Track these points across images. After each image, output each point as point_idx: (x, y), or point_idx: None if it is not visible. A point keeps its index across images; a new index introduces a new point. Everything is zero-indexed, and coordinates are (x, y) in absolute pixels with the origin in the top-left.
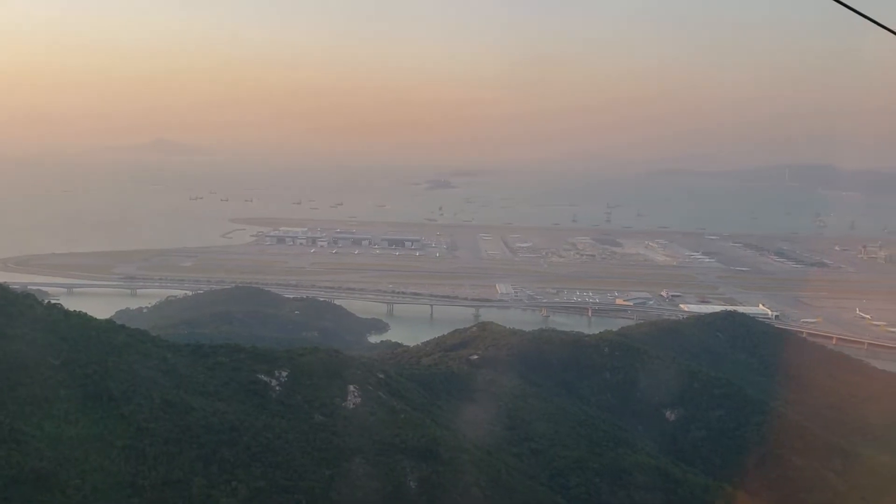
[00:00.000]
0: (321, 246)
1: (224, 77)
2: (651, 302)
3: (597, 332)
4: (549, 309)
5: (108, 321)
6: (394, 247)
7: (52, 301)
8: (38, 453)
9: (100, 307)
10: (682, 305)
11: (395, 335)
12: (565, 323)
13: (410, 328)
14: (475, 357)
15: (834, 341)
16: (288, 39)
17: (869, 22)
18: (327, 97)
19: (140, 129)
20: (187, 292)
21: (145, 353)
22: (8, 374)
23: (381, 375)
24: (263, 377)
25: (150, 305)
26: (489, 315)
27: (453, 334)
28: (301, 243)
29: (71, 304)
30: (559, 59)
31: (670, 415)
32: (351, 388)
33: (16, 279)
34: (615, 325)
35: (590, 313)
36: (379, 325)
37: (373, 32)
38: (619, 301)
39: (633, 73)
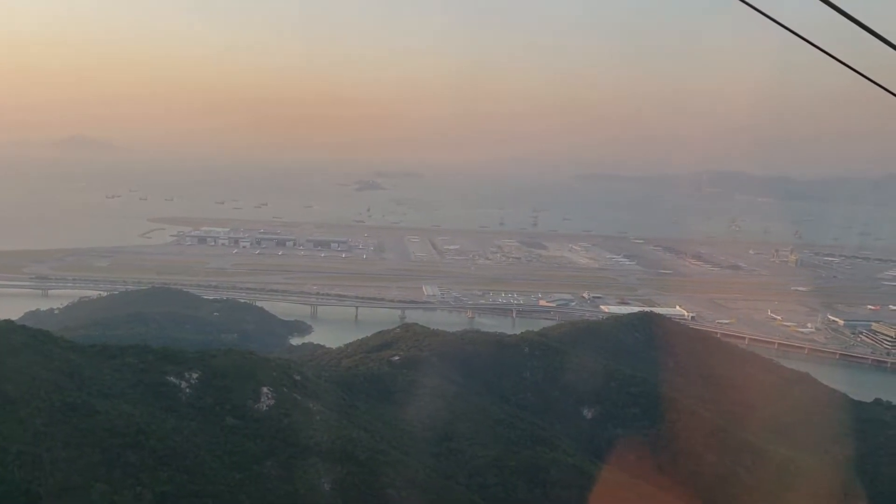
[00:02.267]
0: (244, 247)
1: (145, 71)
2: (573, 303)
3: (519, 332)
4: (475, 310)
5: (6, 321)
6: (319, 248)
7: None
8: None
9: (8, 308)
10: (602, 306)
11: (319, 337)
12: (490, 324)
13: (334, 330)
14: (396, 358)
15: (746, 341)
16: (215, 34)
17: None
18: (254, 94)
19: (55, 124)
20: (102, 293)
21: (47, 355)
22: None
23: (298, 377)
24: (173, 379)
25: (61, 306)
26: (415, 317)
27: (377, 336)
28: (223, 244)
29: None
30: (493, 64)
31: (588, 413)
32: (265, 389)
33: None
34: (538, 325)
35: (514, 314)
36: (302, 328)
37: (304, 29)
38: (542, 302)
39: (563, 80)
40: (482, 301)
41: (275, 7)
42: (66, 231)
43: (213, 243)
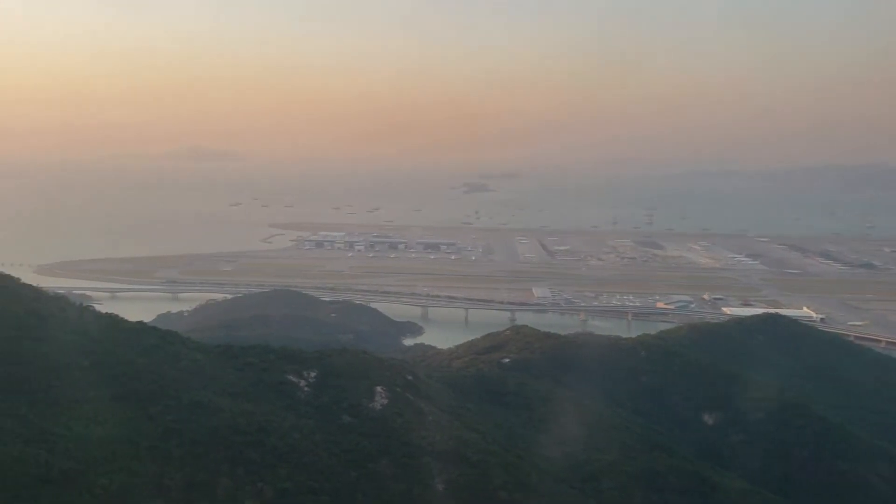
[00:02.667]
0: (358, 250)
1: (261, 82)
2: (692, 305)
3: (635, 335)
4: (588, 313)
5: (139, 323)
6: (429, 250)
7: (95, 305)
8: (66, 453)
9: (142, 311)
10: (723, 308)
11: (430, 338)
12: (604, 327)
13: (445, 332)
14: (507, 360)
15: (883, 345)
16: (323, 46)
17: None
18: (364, 103)
19: (175, 137)
20: (227, 296)
21: (175, 355)
22: (39, 375)
23: (410, 377)
24: (292, 378)
25: (190, 309)
26: (525, 319)
27: (487, 337)
28: (339, 247)
29: (114, 308)
30: (601, 63)
31: (708, 418)
32: (378, 389)
33: (61, 284)
34: (655, 328)
35: (629, 317)
36: (413, 329)
37: (408, 37)
38: (659, 304)
39: (674, 75)
40: (595, 303)
41: (387, 13)
42: (193, 238)
43: (329, 247)
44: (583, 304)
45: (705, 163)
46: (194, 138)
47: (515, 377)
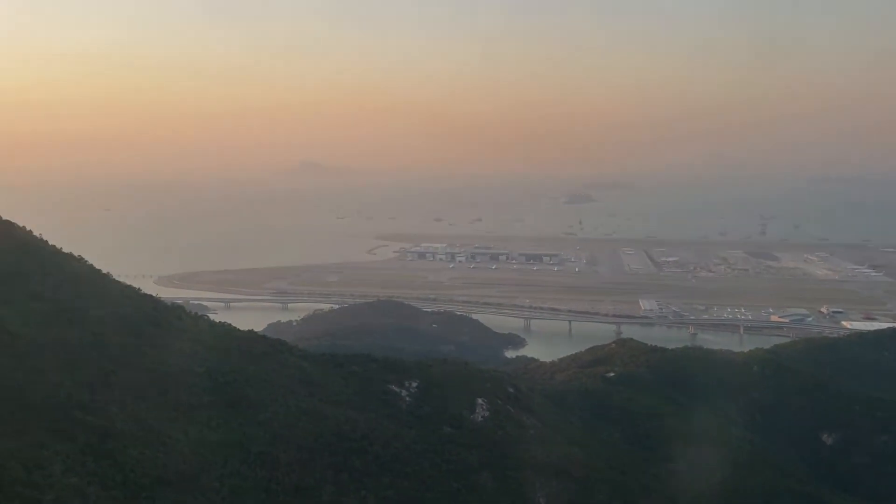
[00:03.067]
0: (460, 261)
1: (368, 99)
2: (809, 319)
3: (748, 350)
4: (697, 326)
5: (250, 332)
6: (531, 262)
7: (210, 315)
8: (181, 456)
9: (253, 320)
10: (844, 322)
11: (532, 351)
12: (714, 341)
13: (547, 344)
14: (612, 374)
15: None
16: (429, 61)
17: None
18: (465, 116)
19: (290, 154)
20: (333, 306)
21: (283, 363)
22: (157, 380)
23: (511, 390)
24: (394, 387)
25: (298, 318)
26: (631, 332)
27: (590, 351)
28: (441, 258)
29: (227, 318)
30: (710, 68)
31: (827, 438)
32: (479, 401)
33: (179, 294)
34: (769, 343)
35: (741, 331)
36: (515, 341)
37: (510, 48)
38: (773, 318)
39: (792, 80)
40: (705, 316)
41: (488, 26)
42: (302, 249)
43: (431, 258)
44: (692, 317)
45: (823, 170)
46: (307, 154)
47: (621, 392)
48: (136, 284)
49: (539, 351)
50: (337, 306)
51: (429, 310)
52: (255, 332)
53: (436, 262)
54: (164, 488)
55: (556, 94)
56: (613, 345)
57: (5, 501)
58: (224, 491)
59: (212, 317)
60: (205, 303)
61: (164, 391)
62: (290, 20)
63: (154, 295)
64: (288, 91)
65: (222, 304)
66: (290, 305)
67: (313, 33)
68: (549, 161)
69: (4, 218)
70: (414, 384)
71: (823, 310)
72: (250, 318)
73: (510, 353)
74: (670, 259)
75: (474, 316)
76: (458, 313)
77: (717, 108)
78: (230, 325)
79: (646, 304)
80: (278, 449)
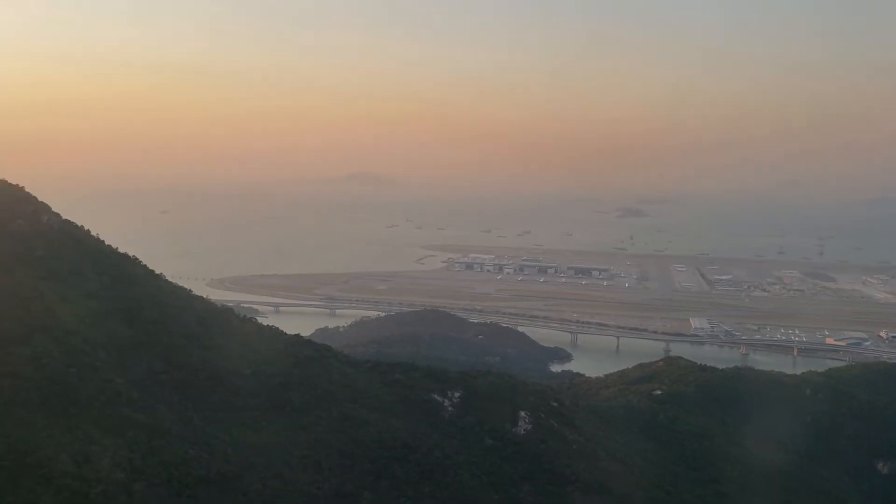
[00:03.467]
0: (507, 273)
1: (417, 111)
2: (867, 343)
3: (801, 372)
4: (749, 346)
5: (296, 336)
6: (580, 276)
7: (260, 318)
8: (225, 457)
9: (302, 325)
10: None
11: (578, 366)
12: (766, 362)
13: (594, 359)
14: (659, 392)
15: None
16: (480, 73)
17: None
18: (517, 128)
19: (340, 162)
20: (380, 314)
21: (328, 368)
22: (204, 381)
23: (555, 404)
24: (437, 397)
25: (346, 325)
26: (680, 350)
27: (638, 368)
28: (488, 270)
29: (277, 322)
30: (766, 77)
31: (882, 467)
32: (522, 413)
33: (230, 297)
34: (823, 366)
35: (795, 353)
36: (562, 355)
37: (564, 64)
38: (829, 340)
39: (855, 90)
40: (757, 336)
41: (537, 39)
42: (352, 257)
43: (479, 269)
44: (743, 337)
45: (884, 192)
46: (361, 164)
47: (667, 410)
48: (188, 287)
49: (585, 366)
50: (384, 314)
51: (475, 321)
52: (302, 337)
53: (483, 273)
54: (207, 487)
55: (611, 109)
56: (661, 362)
57: (55, 493)
58: (266, 493)
59: (261, 320)
60: (255, 306)
61: (211, 392)
62: (346, 31)
63: (204, 297)
64: (342, 101)
65: (272, 309)
66: (338, 311)
67: (370, 45)
68: (602, 175)
69: (63, 218)
70: (457, 394)
71: (882, 334)
72: (299, 323)
73: (556, 368)
74: (723, 277)
75: (520, 328)
76: (504, 325)
77: (779, 128)
78: (277, 328)
79: (696, 323)
80: (320, 453)
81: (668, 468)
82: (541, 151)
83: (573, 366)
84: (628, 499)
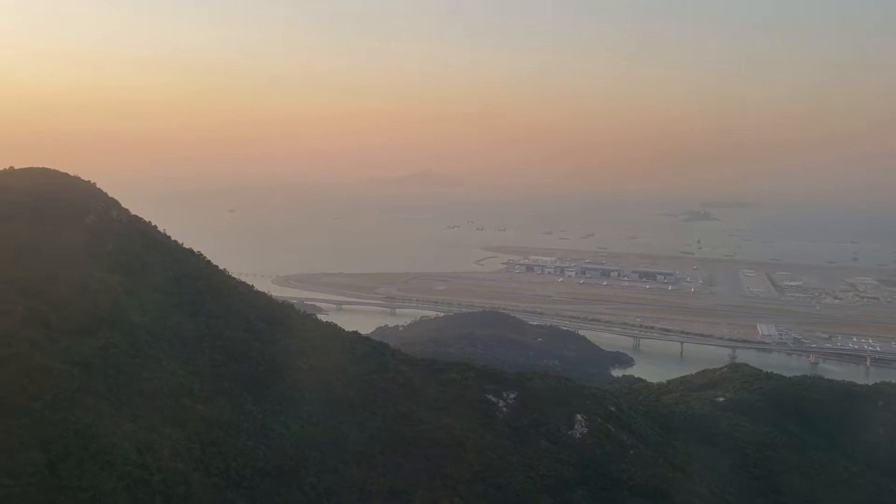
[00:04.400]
0: (569, 276)
1: (481, 112)
2: None
3: (873, 383)
4: (818, 355)
5: (354, 333)
6: (644, 279)
7: (322, 315)
8: (282, 450)
9: (363, 323)
10: None
11: (640, 371)
12: (836, 371)
13: (656, 365)
14: (721, 399)
15: None
16: (542, 76)
17: None
18: (581, 129)
19: (406, 163)
20: (439, 313)
21: (384, 365)
22: (264, 374)
23: (612, 408)
24: (492, 397)
25: (405, 324)
26: (746, 357)
27: (701, 374)
28: (549, 272)
29: (338, 319)
30: (839, 83)
31: None
32: (578, 417)
33: (295, 294)
34: None
35: (868, 362)
36: (623, 359)
37: (621, 60)
38: None
39: None
40: (828, 345)
41: (598, 40)
42: (412, 257)
43: (539, 271)
44: (813, 346)
45: None
46: (424, 164)
47: (729, 418)
48: (255, 283)
49: (647, 371)
50: (443, 314)
51: (534, 323)
52: (360, 334)
53: (544, 275)
54: (264, 480)
55: (680, 109)
56: (725, 369)
57: (117, 479)
58: (320, 487)
59: (323, 318)
60: (318, 304)
61: (270, 385)
62: (409, 35)
63: (266, 292)
64: (408, 102)
65: (334, 306)
66: (397, 310)
67: (434, 48)
68: (670, 177)
69: (132, 214)
70: (512, 395)
71: None
72: (360, 321)
73: (616, 372)
74: (793, 283)
75: (581, 332)
76: (564, 328)
77: (856, 128)
78: (336, 325)
79: (764, 329)
80: (374, 450)
81: (728, 476)
82: (605, 152)
83: (635, 371)
84: None
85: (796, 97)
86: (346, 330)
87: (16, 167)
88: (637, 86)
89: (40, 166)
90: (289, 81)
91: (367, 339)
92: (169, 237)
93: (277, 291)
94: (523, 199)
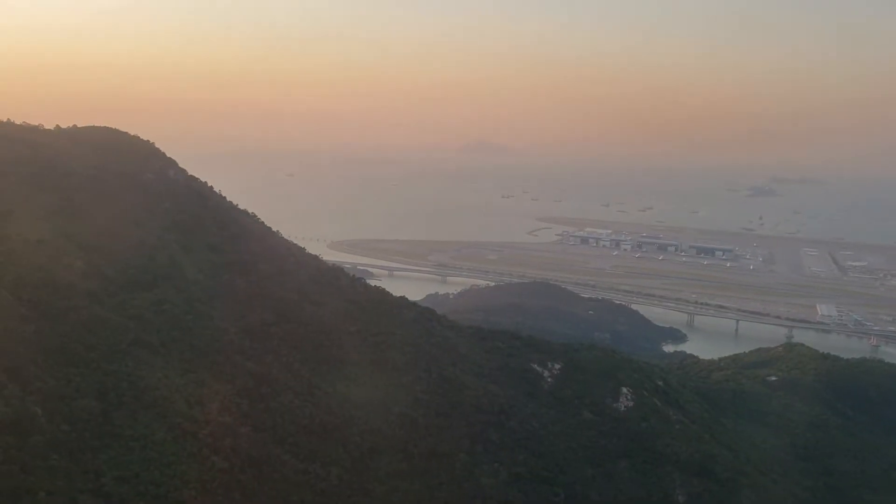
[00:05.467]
0: (624, 249)
1: (540, 77)
2: None
3: None
4: (880, 337)
5: (401, 298)
6: (702, 255)
7: (374, 281)
8: (328, 409)
9: (414, 289)
10: None
11: (693, 347)
12: None
13: (710, 342)
14: (773, 378)
15: None
16: (600, 44)
17: None
18: (644, 96)
19: (462, 130)
20: (489, 283)
21: (430, 331)
22: (313, 335)
23: (660, 382)
24: (536, 367)
25: (455, 292)
26: (804, 337)
27: (755, 352)
28: (604, 245)
29: (390, 285)
30: None
31: None
32: (624, 390)
33: (347, 259)
34: None
35: None
36: (676, 336)
37: (685, 31)
38: None
39: None
40: (891, 328)
41: (660, 10)
42: (466, 226)
43: (594, 244)
44: (875, 328)
45: None
46: (481, 133)
47: (781, 397)
48: (310, 247)
49: (700, 348)
50: (493, 284)
51: (586, 296)
52: (406, 299)
53: (599, 248)
54: (309, 437)
55: (750, 83)
56: (780, 348)
57: (167, 430)
58: (364, 447)
59: (375, 283)
60: (371, 269)
61: (318, 345)
62: (464, 8)
63: (318, 255)
64: (465, 70)
65: (386, 273)
66: (448, 279)
67: (488, 16)
68: (736, 151)
69: (189, 174)
70: (557, 366)
71: None
72: (411, 288)
73: (668, 348)
74: (857, 263)
75: (634, 306)
76: (617, 302)
77: None
78: (384, 289)
79: (823, 310)
80: (417, 412)
81: (777, 457)
82: (672, 124)
83: (688, 347)
84: (731, 484)
85: (874, 74)
86: (395, 295)
87: (79, 125)
88: (709, 60)
89: (103, 125)
90: (351, 49)
91: (413, 304)
92: (224, 198)
93: (331, 256)
94: (582, 168)
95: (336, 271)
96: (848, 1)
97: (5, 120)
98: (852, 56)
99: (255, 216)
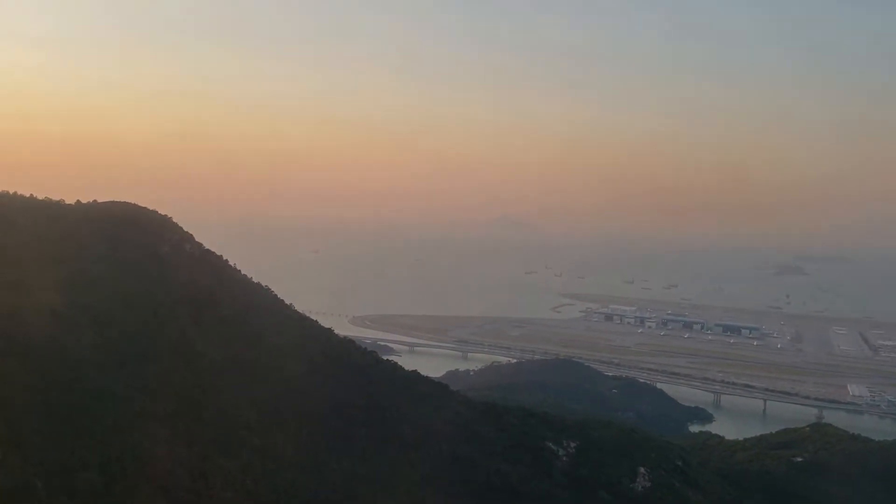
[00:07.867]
0: (649, 326)
1: (567, 158)
2: None
3: None
4: None
5: (414, 372)
6: (728, 333)
7: (395, 357)
8: (333, 485)
9: (435, 366)
10: None
11: (719, 427)
12: None
13: (737, 422)
14: (799, 459)
15: None
16: (621, 123)
17: None
18: (667, 179)
19: (486, 207)
20: (511, 360)
21: (442, 406)
22: (320, 408)
23: (679, 462)
24: (551, 445)
25: (476, 368)
26: (835, 418)
27: (781, 433)
28: (629, 322)
29: (410, 361)
30: None
31: None
32: (641, 469)
33: (369, 335)
34: None
35: None
36: (702, 415)
37: (714, 112)
38: None
39: None
40: None
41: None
42: (488, 301)
43: (618, 321)
44: None
45: None
46: (506, 209)
47: (807, 480)
48: (332, 323)
49: (726, 428)
50: (515, 360)
51: (610, 374)
52: (419, 373)
53: (623, 325)
54: None
55: (770, 154)
56: (807, 428)
57: (169, 503)
58: None
59: (394, 358)
60: (391, 344)
61: (325, 419)
62: (495, 83)
63: (331, 328)
64: (495, 147)
65: (407, 348)
66: (469, 355)
67: (520, 96)
68: (757, 231)
69: (205, 248)
70: (573, 444)
71: None
72: (431, 364)
73: (694, 428)
74: (889, 342)
75: (659, 385)
76: (642, 381)
77: None
78: (396, 363)
79: (855, 390)
80: (426, 491)
81: None
82: (696, 205)
83: (714, 427)
84: None
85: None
86: (407, 369)
87: (98, 201)
88: (728, 133)
89: (121, 200)
90: (379, 127)
91: (426, 378)
92: (239, 271)
93: (353, 331)
94: (605, 245)
95: (347, 344)
96: (875, 62)
97: (28, 195)
98: (878, 121)
99: (268, 288)
